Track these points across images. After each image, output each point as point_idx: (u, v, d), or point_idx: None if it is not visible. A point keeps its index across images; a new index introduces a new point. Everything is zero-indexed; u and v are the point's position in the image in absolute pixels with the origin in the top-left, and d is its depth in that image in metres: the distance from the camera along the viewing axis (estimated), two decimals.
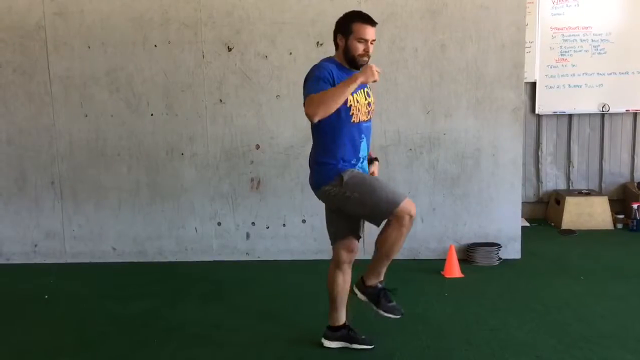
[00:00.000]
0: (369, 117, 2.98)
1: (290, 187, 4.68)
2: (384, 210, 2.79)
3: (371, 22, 2.88)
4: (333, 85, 2.76)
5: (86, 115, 4.71)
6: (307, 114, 2.71)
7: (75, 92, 4.69)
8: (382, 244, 2.90)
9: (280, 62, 4.56)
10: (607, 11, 5.68)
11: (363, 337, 3.16)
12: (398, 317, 3.05)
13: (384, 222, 2.87)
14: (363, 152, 2.98)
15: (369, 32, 2.85)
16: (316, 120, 2.69)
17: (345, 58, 2.89)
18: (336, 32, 2.92)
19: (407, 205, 2.79)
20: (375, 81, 2.74)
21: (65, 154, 4.76)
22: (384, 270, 3.02)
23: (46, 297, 4.14)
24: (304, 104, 2.74)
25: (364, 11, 2.97)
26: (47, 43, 4.64)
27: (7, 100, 4.73)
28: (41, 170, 4.79)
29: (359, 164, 2.96)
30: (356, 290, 3.10)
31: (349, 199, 2.84)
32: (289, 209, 4.71)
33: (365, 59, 2.86)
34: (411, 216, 2.79)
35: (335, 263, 3.08)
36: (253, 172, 4.69)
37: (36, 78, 4.69)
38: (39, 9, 4.60)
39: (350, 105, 2.85)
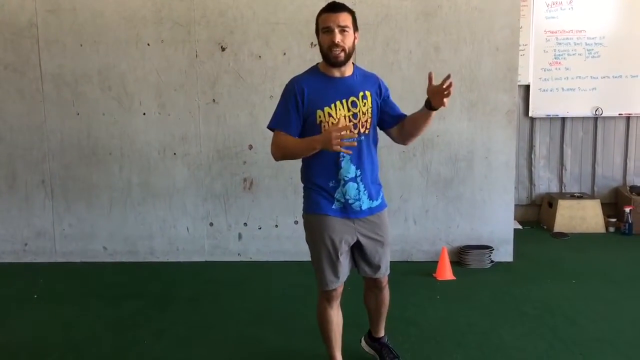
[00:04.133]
0: (355, 132, 2.51)
1: (283, 187, 4.66)
2: (317, 281, 2.70)
3: (333, 8, 2.48)
4: (300, 107, 2.50)
5: (78, 114, 4.67)
6: (272, 155, 2.60)
7: (67, 90, 4.65)
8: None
9: (274, 63, 4.54)
10: (601, 15, 5.69)
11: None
12: None
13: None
14: (347, 173, 2.56)
15: (330, 19, 2.45)
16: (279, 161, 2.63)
17: (323, 58, 2.55)
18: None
19: (325, 294, 2.68)
20: (337, 150, 2.36)
21: (56, 153, 4.72)
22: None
23: (35, 296, 4.11)
24: (267, 127, 2.62)
25: (356, 12, 2.63)
26: (39, 40, 4.60)
27: None
28: (32, 168, 4.75)
29: (342, 187, 2.57)
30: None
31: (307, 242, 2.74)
32: (282, 210, 4.70)
33: (337, 51, 2.46)
34: (327, 301, 2.69)
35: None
36: (245, 172, 4.68)
37: (28, 75, 4.65)
38: (31, 6, 4.56)
39: (321, 121, 2.50)
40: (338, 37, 2.45)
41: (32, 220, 4.82)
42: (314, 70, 2.63)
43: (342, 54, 2.49)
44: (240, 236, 4.76)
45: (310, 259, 2.72)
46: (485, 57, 4.48)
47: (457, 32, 4.46)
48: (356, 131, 2.54)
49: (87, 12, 4.55)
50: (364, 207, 2.63)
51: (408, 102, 4.50)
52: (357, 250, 2.70)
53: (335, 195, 2.59)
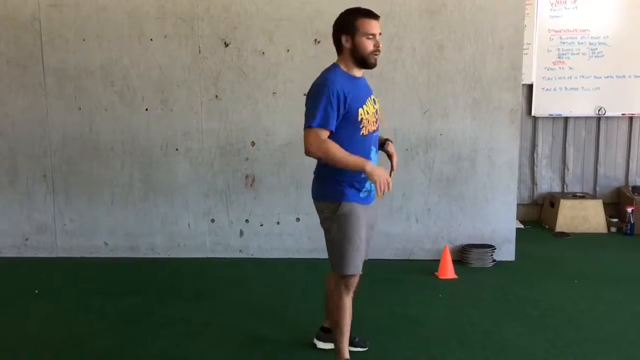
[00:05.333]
0: (377, 126, 2.79)
1: (285, 184, 4.65)
2: (337, 265, 2.75)
3: (375, 15, 2.68)
4: (341, 106, 2.58)
5: (80, 109, 4.66)
6: (306, 150, 2.60)
7: (70, 84, 4.64)
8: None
9: (278, 59, 4.52)
10: (605, 14, 5.67)
11: (356, 339, 3.09)
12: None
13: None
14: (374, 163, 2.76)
15: (375, 26, 2.66)
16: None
17: (355, 59, 2.68)
18: (339, 33, 2.67)
19: (350, 280, 2.75)
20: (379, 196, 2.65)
21: (58, 147, 4.71)
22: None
23: (36, 291, 4.10)
24: (306, 126, 2.60)
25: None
26: (42, 35, 4.59)
27: (0, 92, 4.68)
28: (33, 163, 4.74)
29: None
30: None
31: (329, 230, 2.75)
32: (284, 207, 4.69)
33: (377, 55, 2.68)
34: (347, 289, 2.76)
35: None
36: (248, 169, 4.66)
37: (30, 70, 4.64)
38: (34, 1, 4.54)
39: (362, 118, 2.67)
40: (380, 44, 2.69)
41: (33, 215, 4.81)
42: (338, 70, 2.70)
43: (378, 56, 2.71)
44: (241, 233, 4.75)
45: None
46: (490, 55, 4.47)
47: (462, 30, 4.45)
48: (377, 126, 2.81)
49: (89, 6, 4.54)
50: (373, 193, 2.83)
51: (411, 99, 4.53)
52: None
53: (366, 185, 2.74)
